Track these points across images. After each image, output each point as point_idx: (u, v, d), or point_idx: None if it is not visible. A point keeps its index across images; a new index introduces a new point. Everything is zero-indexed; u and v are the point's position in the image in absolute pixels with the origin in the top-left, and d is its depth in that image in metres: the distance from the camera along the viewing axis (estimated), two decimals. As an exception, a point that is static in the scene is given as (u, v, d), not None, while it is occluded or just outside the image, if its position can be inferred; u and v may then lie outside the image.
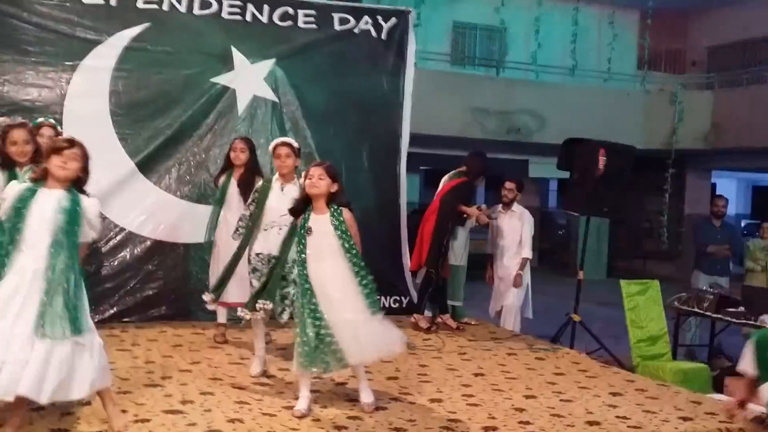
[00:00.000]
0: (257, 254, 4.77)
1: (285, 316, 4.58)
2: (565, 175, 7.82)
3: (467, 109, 14.64)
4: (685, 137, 16.13)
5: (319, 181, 4.02)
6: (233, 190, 5.60)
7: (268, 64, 6.82)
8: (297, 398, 4.04)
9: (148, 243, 6.38)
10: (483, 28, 16.60)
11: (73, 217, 3.43)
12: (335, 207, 4.08)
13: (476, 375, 5.01)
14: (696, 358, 7.54)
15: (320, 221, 4.05)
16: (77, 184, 3.51)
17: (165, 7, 6.61)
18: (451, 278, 6.70)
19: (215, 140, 6.68)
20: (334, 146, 6.94)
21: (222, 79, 6.69)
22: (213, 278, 5.50)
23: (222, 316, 5.66)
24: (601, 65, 16.33)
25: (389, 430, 3.77)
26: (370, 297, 4.01)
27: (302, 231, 4.05)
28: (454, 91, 14.33)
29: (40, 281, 3.32)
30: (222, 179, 5.72)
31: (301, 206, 4.13)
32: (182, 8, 6.66)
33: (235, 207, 5.52)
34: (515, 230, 6.82)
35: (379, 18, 7.26)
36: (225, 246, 5.40)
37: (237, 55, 6.72)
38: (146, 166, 6.41)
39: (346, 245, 4.01)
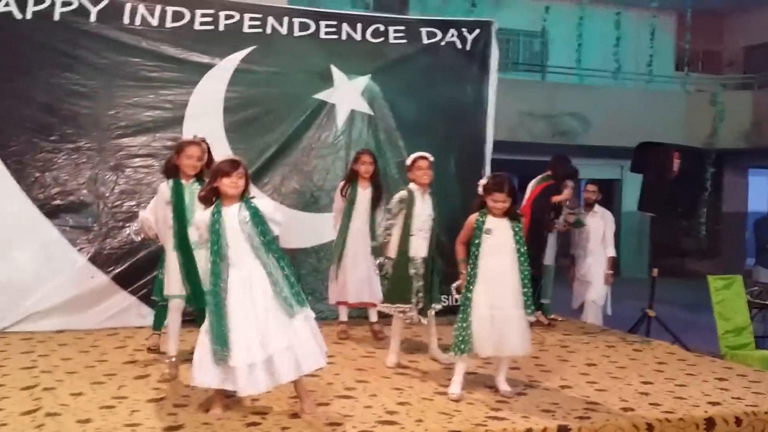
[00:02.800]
0: (412, 258, 5.22)
1: (424, 315, 5.14)
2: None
3: (514, 113, 15.06)
4: (725, 137, 16.47)
5: (503, 204, 4.53)
6: (361, 199, 6.05)
7: (364, 80, 7.31)
8: (448, 384, 4.52)
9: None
10: (526, 33, 17.02)
11: (257, 221, 3.93)
12: (515, 218, 4.58)
13: (588, 365, 5.45)
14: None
15: (501, 224, 4.53)
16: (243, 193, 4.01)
17: (268, 30, 7.11)
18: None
19: (317, 152, 7.18)
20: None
21: (323, 96, 7.18)
22: (338, 280, 5.99)
23: (344, 315, 6.15)
24: (640, 67, 16.69)
25: (539, 411, 4.21)
26: (527, 297, 4.48)
27: (482, 229, 4.52)
28: (501, 96, 14.73)
29: (261, 281, 3.84)
30: (348, 190, 6.16)
31: (478, 209, 4.62)
32: (283, 31, 7.16)
33: (362, 216, 5.99)
34: (599, 230, 7.24)
35: (464, 30, 7.70)
36: (357, 250, 5.88)
37: (336, 73, 7.21)
38: (257, 178, 6.87)
39: (521, 249, 4.51)
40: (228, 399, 4.04)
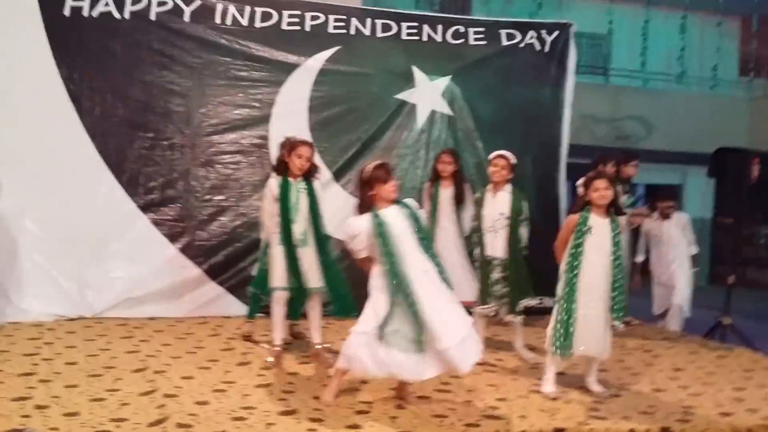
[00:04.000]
0: (488, 257, 5.31)
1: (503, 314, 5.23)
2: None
3: (576, 115, 14.96)
4: (789, 143, 16.15)
5: (606, 192, 4.56)
6: (443, 198, 6.16)
7: (444, 81, 7.39)
8: (539, 383, 4.60)
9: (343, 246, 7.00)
10: (589, 35, 16.92)
11: (415, 219, 4.13)
12: (614, 216, 4.61)
13: (675, 370, 5.46)
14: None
15: (602, 224, 4.57)
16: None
17: (352, 31, 7.24)
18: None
19: (398, 152, 7.28)
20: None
21: (404, 96, 7.29)
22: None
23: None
24: (704, 72, 16.48)
25: (638, 413, 4.26)
26: (617, 302, 4.51)
27: (583, 229, 4.57)
28: (564, 99, 14.74)
29: (434, 275, 4.04)
30: (432, 190, 6.27)
31: (579, 209, 4.66)
32: (367, 31, 7.29)
33: (446, 214, 6.10)
34: (676, 234, 7.21)
35: (543, 32, 7.73)
36: (445, 248, 5.99)
37: (418, 73, 7.31)
38: (340, 175, 7.04)
39: (618, 252, 4.54)
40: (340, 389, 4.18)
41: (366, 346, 3.99)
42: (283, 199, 4.87)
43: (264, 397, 4.17)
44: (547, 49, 7.76)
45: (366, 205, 4.12)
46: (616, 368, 5.37)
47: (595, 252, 4.55)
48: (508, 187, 5.44)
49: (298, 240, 4.85)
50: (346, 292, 5.15)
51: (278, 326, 5.05)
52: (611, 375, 5.13)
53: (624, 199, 7.24)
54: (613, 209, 4.62)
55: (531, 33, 7.71)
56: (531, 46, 7.72)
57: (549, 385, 4.55)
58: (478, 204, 5.49)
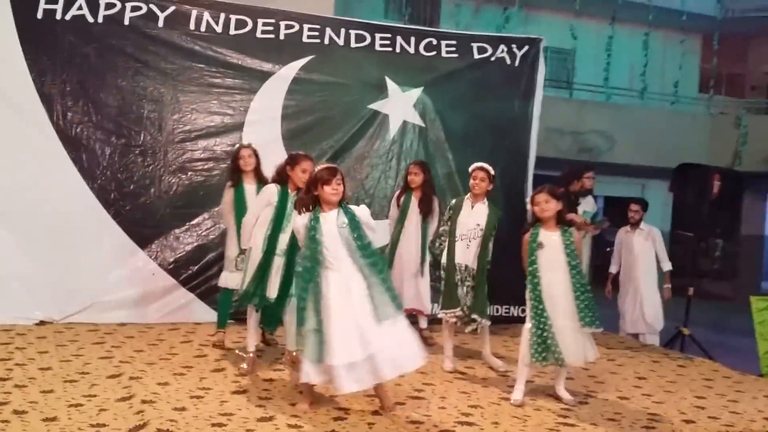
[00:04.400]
0: (457, 264, 5.40)
1: (470, 327, 5.32)
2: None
3: (541, 128, 15.20)
4: (747, 160, 16.62)
5: (546, 205, 4.66)
6: (412, 208, 6.25)
7: (417, 92, 7.51)
8: (510, 390, 4.71)
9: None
10: (554, 50, 17.23)
11: (354, 226, 4.14)
12: (565, 227, 4.71)
13: (638, 378, 5.61)
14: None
15: (551, 238, 4.68)
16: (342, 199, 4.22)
17: (326, 41, 7.33)
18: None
19: (370, 161, 7.37)
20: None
21: (377, 106, 7.39)
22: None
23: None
24: (666, 88, 16.90)
25: (605, 420, 4.39)
26: (583, 310, 4.58)
27: (534, 245, 4.67)
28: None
29: (358, 283, 4.03)
30: (402, 198, 6.36)
31: (530, 227, 4.76)
32: (340, 42, 7.37)
33: (414, 223, 6.20)
34: (647, 249, 7.41)
35: (514, 46, 7.90)
36: (408, 256, 6.08)
37: (390, 84, 7.41)
38: (312, 184, 7.09)
39: (573, 262, 4.62)
40: (314, 396, 4.23)
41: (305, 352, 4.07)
42: (280, 208, 4.90)
43: (241, 403, 4.20)
44: (517, 63, 7.93)
45: (306, 204, 4.18)
46: (582, 376, 5.51)
47: (549, 267, 4.62)
48: (485, 200, 5.53)
49: (280, 250, 4.88)
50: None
51: (252, 333, 5.07)
52: (577, 383, 5.26)
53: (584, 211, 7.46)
54: (562, 222, 4.71)
55: (502, 47, 7.87)
56: (502, 59, 7.87)
57: (516, 393, 4.64)
58: (456, 210, 5.54)
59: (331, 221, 4.14)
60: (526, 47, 7.98)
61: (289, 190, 4.93)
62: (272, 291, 4.88)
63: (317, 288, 4.04)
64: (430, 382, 4.95)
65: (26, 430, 3.59)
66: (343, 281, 4.05)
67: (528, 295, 4.67)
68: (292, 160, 4.94)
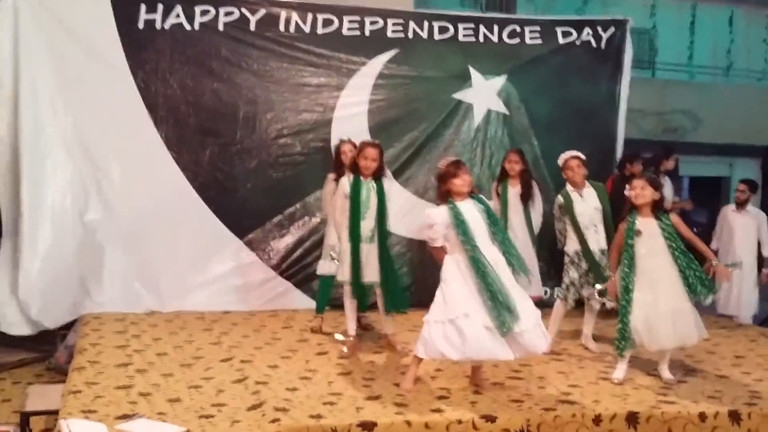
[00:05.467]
0: (593, 251, 5.50)
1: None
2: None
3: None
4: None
5: (641, 191, 4.72)
6: (511, 196, 6.36)
7: (500, 80, 7.58)
8: (607, 370, 4.81)
9: (404, 241, 7.26)
10: (635, 30, 16.90)
11: (490, 214, 4.39)
12: (663, 214, 4.77)
13: (737, 357, 5.59)
14: None
15: (648, 224, 4.73)
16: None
17: (410, 34, 7.47)
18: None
19: (455, 150, 7.46)
20: (557, 152, 7.39)
21: (461, 95, 7.50)
22: None
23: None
24: (752, 64, 16.36)
25: (706, 397, 4.43)
26: (694, 284, 4.62)
27: (631, 233, 4.73)
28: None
29: (503, 267, 4.27)
30: (499, 188, 6.47)
31: (626, 214, 4.83)
32: (424, 34, 7.51)
33: (516, 212, 6.30)
34: (748, 229, 7.26)
35: (599, 28, 7.87)
36: (517, 241, 6.18)
37: (474, 73, 7.51)
38: (399, 174, 7.28)
39: (674, 244, 4.68)
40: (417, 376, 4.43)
41: (441, 333, 4.21)
42: (354, 196, 5.14)
43: (348, 384, 4.43)
44: (603, 45, 7.90)
45: (441, 198, 4.39)
46: (679, 356, 5.50)
47: (649, 254, 4.68)
48: (587, 184, 5.63)
49: (365, 236, 5.10)
50: (399, 288, 5.45)
51: (351, 317, 5.31)
52: (675, 363, 5.28)
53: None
54: (658, 209, 4.76)
55: (587, 30, 7.86)
56: (587, 43, 7.86)
57: (618, 372, 4.74)
58: (567, 206, 5.60)
59: (471, 210, 4.32)
60: (612, 29, 7.96)
61: (362, 178, 5.14)
62: (369, 275, 5.12)
63: (484, 270, 4.19)
64: (527, 363, 5.06)
65: (153, 410, 3.89)
66: (496, 263, 4.25)
67: (620, 283, 4.74)
68: (359, 149, 5.17)
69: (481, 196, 4.49)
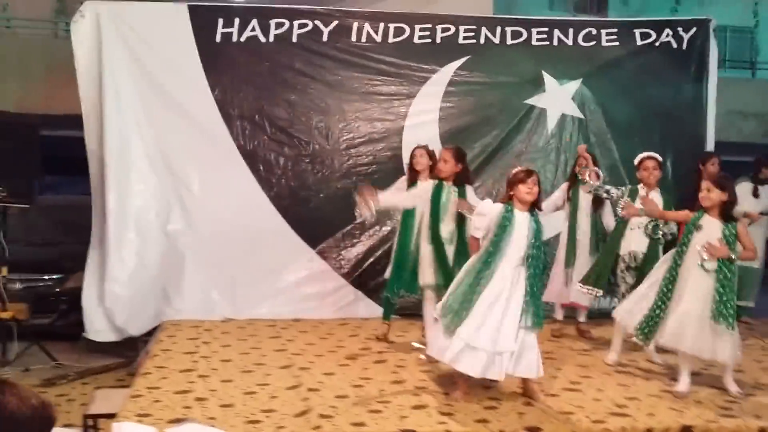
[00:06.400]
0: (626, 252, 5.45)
1: None
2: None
3: (722, 111, 14.31)
4: None
5: (707, 194, 4.56)
6: (583, 201, 6.22)
7: (575, 84, 7.43)
8: (672, 383, 4.63)
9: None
10: (734, 29, 16.16)
11: (537, 235, 4.28)
12: (731, 220, 4.58)
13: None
14: None
15: (712, 224, 4.56)
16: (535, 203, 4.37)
17: (482, 40, 7.43)
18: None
19: (528, 156, 7.37)
20: (637, 156, 7.37)
21: (534, 101, 7.39)
22: (564, 281, 6.19)
23: (560, 314, 6.34)
24: None
25: (771, 411, 4.20)
26: (717, 303, 4.42)
27: (692, 227, 4.59)
28: (709, 94, 14.14)
29: (520, 285, 4.20)
30: (570, 192, 6.35)
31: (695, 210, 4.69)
32: (496, 40, 7.45)
33: (586, 218, 6.17)
34: None
35: (680, 29, 7.58)
36: (582, 249, 6.10)
37: (548, 78, 7.39)
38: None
39: (731, 254, 4.48)
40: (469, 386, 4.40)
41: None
42: (435, 199, 5.22)
43: (398, 392, 4.45)
44: (684, 46, 7.61)
45: (503, 201, 4.39)
46: (754, 368, 5.26)
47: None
48: (657, 189, 5.56)
49: (444, 238, 5.14)
50: None
51: (430, 323, 5.30)
52: (747, 375, 5.03)
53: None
54: (727, 214, 4.57)
55: (667, 31, 7.60)
56: (668, 44, 7.60)
57: (681, 385, 4.55)
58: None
59: (523, 222, 4.28)
60: (694, 29, 7.63)
61: (444, 182, 5.18)
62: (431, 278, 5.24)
63: (483, 274, 4.20)
64: (587, 375, 4.94)
65: (206, 414, 4.03)
66: (513, 276, 4.21)
67: (663, 274, 4.62)
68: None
69: (538, 216, 4.39)
